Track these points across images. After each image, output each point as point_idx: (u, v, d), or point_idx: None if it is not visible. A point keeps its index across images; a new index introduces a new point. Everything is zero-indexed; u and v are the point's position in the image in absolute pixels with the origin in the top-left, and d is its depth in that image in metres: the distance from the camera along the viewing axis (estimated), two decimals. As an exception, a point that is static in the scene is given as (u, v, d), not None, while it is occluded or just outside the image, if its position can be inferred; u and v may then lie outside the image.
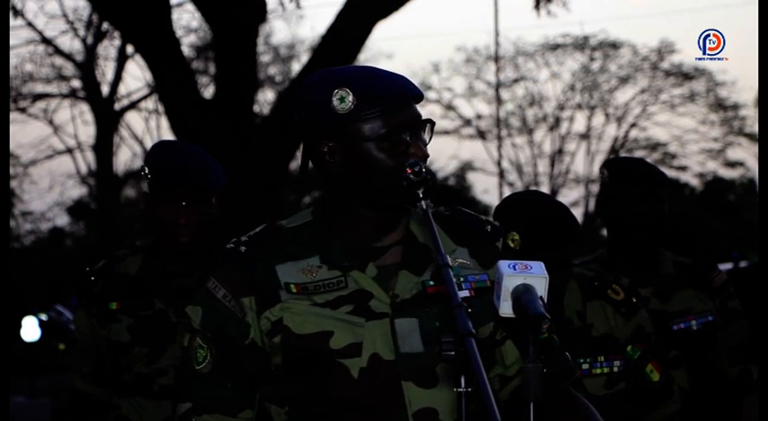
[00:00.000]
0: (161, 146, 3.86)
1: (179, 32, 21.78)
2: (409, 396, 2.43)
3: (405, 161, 2.43)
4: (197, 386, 2.50)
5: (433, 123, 2.51)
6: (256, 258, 2.49)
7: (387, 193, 2.45)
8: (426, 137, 2.50)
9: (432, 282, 2.48)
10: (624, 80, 29.57)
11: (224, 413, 2.48)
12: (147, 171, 3.72)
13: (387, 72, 2.51)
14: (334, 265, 2.48)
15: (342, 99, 2.44)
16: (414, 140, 2.46)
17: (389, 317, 2.45)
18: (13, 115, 25.92)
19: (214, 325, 2.49)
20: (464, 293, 2.45)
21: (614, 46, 29.20)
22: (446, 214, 2.58)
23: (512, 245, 3.45)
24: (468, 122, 30.23)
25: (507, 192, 27.62)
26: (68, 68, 27.43)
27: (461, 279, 2.49)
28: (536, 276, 2.29)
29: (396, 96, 2.46)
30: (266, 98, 27.90)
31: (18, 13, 20.09)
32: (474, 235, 2.58)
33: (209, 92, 21.11)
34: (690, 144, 29.96)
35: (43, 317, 16.11)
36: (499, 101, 29.05)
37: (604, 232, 4.27)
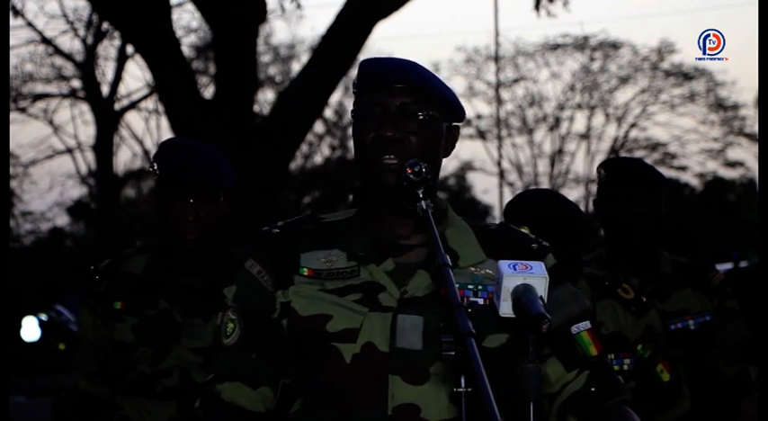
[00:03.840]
0: (170, 143, 3.86)
1: (179, 32, 21.81)
2: (393, 390, 2.44)
3: (374, 138, 2.47)
4: (222, 358, 2.55)
5: (417, 113, 2.49)
6: (284, 242, 2.55)
7: (370, 174, 2.48)
8: (411, 124, 2.49)
9: None
10: (624, 80, 29.56)
11: (244, 382, 2.51)
12: (155, 167, 3.72)
13: (391, 58, 2.57)
14: (352, 256, 2.52)
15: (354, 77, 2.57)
16: (385, 121, 2.48)
17: (394, 311, 2.47)
18: (13, 115, 25.93)
19: (245, 298, 2.55)
20: (479, 301, 2.47)
21: (614, 46, 29.19)
22: (492, 228, 2.61)
23: None
24: (468, 122, 30.22)
25: (507, 192, 27.64)
26: (68, 68, 27.44)
27: (479, 287, 2.49)
28: (536, 276, 2.30)
29: (371, 76, 2.51)
30: (266, 98, 27.93)
31: (18, 13, 20.12)
32: (517, 251, 2.53)
33: (209, 92, 21.12)
34: (690, 144, 29.98)
35: (43, 317, 16.10)
36: (499, 101, 29.06)
37: (603, 232, 4.26)
